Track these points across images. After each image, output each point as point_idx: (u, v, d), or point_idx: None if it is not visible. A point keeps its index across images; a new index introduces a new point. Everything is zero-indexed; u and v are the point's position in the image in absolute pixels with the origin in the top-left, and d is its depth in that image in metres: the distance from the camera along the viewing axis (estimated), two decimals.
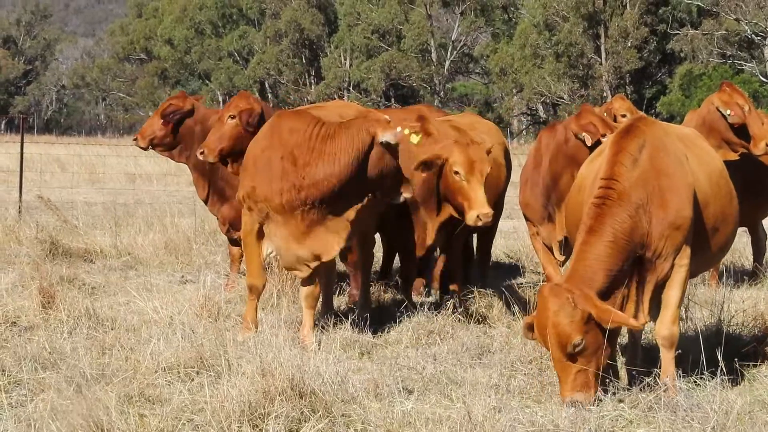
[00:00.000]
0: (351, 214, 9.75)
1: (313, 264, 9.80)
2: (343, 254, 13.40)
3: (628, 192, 7.83)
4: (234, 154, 12.15)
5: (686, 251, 8.01)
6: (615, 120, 13.52)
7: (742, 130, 12.63)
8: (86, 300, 10.72)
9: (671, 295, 8.09)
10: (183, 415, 7.03)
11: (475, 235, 13.27)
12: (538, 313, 7.59)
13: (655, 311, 8.29)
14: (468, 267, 12.81)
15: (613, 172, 7.91)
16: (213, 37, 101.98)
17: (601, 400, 7.60)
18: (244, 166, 10.34)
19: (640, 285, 7.96)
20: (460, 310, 11.26)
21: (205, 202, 12.90)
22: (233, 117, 12.17)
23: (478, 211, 10.26)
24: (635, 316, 7.75)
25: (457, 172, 10.41)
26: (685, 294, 8.62)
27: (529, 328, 7.76)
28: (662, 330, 8.12)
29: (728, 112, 12.46)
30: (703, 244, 8.33)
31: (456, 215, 10.87)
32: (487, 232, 12.98)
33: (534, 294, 11.12)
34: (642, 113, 13.51)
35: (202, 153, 12.21)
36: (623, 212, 7.76)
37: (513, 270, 15.12)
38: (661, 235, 7.88)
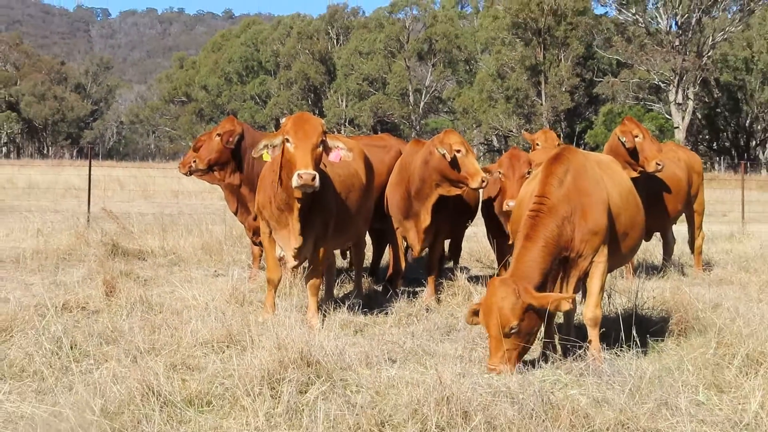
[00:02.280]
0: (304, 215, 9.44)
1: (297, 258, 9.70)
2: (343, 253, 13.43)
3: (557, 207, 7.91)
4: (219, 164, 12.21)
5: (603, 251, 8.08)
6: (532, 147, 13.85)
7: (637, 154, 12.95)
8: (140, 289, 10.69)
9: (593, 285, 8.15)
10: (216, 379, 7.02)
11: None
12: (487, 298, 7.61)
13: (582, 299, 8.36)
14: (441, 264, 12.75)
15: (544, 191, 7.98)
16: (239, 84, 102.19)
17: (542, 367, 7.62)
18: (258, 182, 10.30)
19: (564, 279, 8.03)
20: (432, 298, 11.28)
21: (235, 213, 12.80)
22: (219, 135, 12.18)
23: (481, 176, 10.61)
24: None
25: (459, 150, 10.64)
26: (606, 284, 8.64)
27: (474, 313, 7.77)
28: (588, 313, 8.16)
29: (623, 139, 12.85)
30: (617, 246, 8.40)
31: (446, 193, 10.93)
32: (459, 232, 13.01)
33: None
34: (559, 142, 13.72)
35: (194, 162, 12.25)
36: (552, 223, 7.84)
37: (473, 265, 15.15)
38: (582, 239, 7.96)
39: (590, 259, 8.05)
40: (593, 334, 8.16)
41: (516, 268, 7.73)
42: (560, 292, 7.98)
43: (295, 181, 8.79)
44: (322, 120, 9.42)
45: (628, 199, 8.68)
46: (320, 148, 9.11)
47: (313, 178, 8.76)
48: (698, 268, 14.49)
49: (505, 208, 11.05)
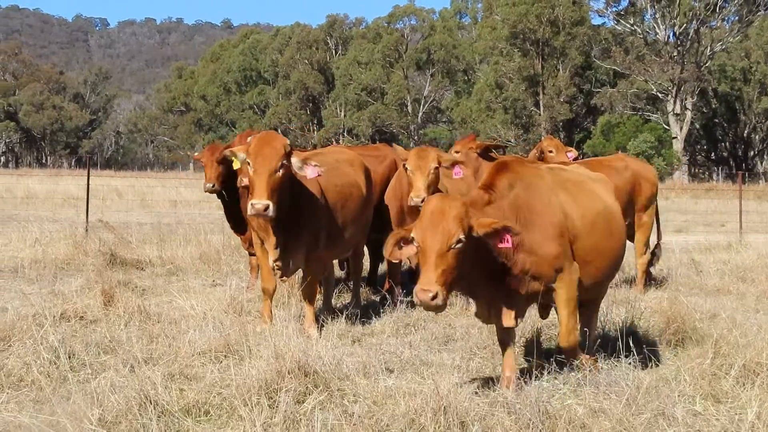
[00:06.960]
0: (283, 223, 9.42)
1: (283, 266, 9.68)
2: (341, 263, 13.41)
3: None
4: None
5: (563, 276, 7.42)
6: (542, 154, 13.55)
7: None
8: (138, 299, 10.69)
9: (561, 314, 7.58)
10: (214, 389, 7.02)
11: None
12: (428, 207, 6.67)
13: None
14: None
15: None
16: (237, 94, 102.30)
17: (539, 378, 7.58)
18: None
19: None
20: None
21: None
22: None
23: (414, 194, 10.08)
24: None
25: (406, 168, 10.41)
26: (606, 295, 8.60)
27: (397, 244, 6.83)
28: (562, 343, 7.67)
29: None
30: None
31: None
32: None
33: None
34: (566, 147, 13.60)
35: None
36: None
37: None
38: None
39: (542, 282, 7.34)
40: (578, 358, 7.67)
41: None
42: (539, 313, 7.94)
43: (249, 209, 8.85)
44: (286, 140, 9.26)
45: (594, 223, 7.72)
46: (280, 172, 8.96)
47: (266, 209, 8.74)
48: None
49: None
